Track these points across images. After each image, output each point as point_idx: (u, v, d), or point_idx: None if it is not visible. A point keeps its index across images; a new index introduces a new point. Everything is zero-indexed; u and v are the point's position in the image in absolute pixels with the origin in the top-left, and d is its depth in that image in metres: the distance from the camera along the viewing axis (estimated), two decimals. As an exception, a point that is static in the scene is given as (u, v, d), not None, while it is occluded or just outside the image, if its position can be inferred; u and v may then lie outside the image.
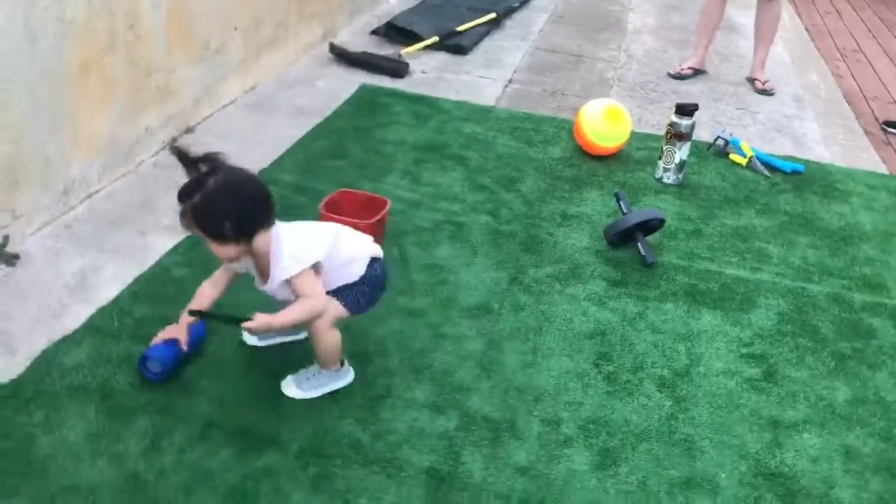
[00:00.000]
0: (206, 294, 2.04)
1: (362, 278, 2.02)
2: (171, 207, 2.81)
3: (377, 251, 2.08)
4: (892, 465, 2.05)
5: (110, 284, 2.41)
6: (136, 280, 2.43)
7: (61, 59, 2.54)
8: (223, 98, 3.57)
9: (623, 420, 2.11)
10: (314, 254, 1.89)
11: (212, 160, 1.82)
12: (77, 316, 2.26)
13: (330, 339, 1.99)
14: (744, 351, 2.42)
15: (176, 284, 2.43)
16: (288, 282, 1.88)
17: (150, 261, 2.53)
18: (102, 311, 2.29)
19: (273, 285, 1.92)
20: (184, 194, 1.81)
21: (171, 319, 2.26)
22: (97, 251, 2.56)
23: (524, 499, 1.85)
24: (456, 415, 2.07)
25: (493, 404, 2.12)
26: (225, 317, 2.00)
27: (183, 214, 1.82)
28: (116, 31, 2.76)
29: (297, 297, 1.91)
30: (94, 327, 2.22)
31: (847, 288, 2.79)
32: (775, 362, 2.39)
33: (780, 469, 2.01)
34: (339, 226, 2.07)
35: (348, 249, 2.00)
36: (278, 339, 2.23)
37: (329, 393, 2.07)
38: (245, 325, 1.88)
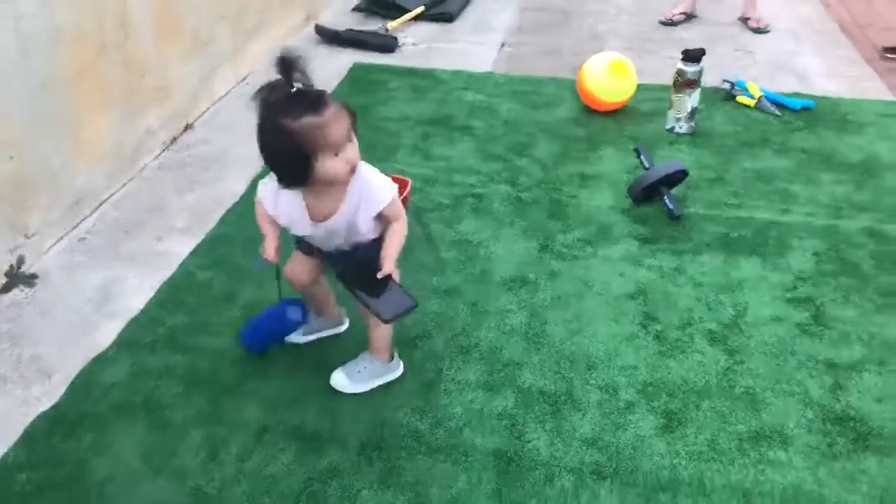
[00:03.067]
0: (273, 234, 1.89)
1: None
2: (183, 209, 2.75)
3: None
4: (957, 397, 2.02)
5: (135, 295, 2.33)
6: (161, 288, 2.36)
7: (56, 67, 2.43)
8: (218, 90, 3.47)
9: (681, 379, 2.07)
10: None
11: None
12: (107, 331, 2.19)
13: None
14: (788, 296, 2.38)
15: (202, 288, 2.36)
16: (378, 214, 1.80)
17: (172, 266, 2.45)
18: (133, 324, 2.22)
19: (358, 217, 1.79)
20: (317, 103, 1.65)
21: (204, 325, 2.21)
22: (115, 261, 2.48)
23: (596, 470, 1.81)
24: (511, 392, 2.02)
25: (547, 377, 2.07)
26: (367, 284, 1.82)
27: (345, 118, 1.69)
28: (106, 30, 2.66)
29: (354, 229, 1.81)
30: (127, 341, 2.16)
31: (879, 220, 2.75)
32: (822, 304, 2.35)
33: (846, 412, 1.97)
34: None
35: None
36: (320, 334, 2.16)
37: (380, 385, 2.02)
38: (382, 274, 1.77)
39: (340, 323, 2.19)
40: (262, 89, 1.67)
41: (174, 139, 3.15)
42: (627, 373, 2.09)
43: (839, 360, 2.14)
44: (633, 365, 2.12)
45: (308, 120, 1.63)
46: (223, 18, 3.45)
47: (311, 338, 2.16)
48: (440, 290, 2.38)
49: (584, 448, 1.86)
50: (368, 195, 1.79)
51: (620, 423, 1.93)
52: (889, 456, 1.85)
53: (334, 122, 1.66)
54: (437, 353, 2.14)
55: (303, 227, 1.83)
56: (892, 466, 1.83)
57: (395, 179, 2.59)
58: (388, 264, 1.80)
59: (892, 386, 2.05)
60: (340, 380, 2.00)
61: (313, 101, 1.65)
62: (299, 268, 2.00)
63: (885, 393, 2.03)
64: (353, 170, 1.73)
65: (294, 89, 1.65)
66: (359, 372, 2.00)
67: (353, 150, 1.71)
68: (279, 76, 1.65)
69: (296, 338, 2.14)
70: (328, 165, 1.68)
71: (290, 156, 1.66)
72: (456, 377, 2.06)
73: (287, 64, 1.64)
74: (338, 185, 1.76)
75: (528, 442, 1.88)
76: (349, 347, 2.11)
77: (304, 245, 1.96)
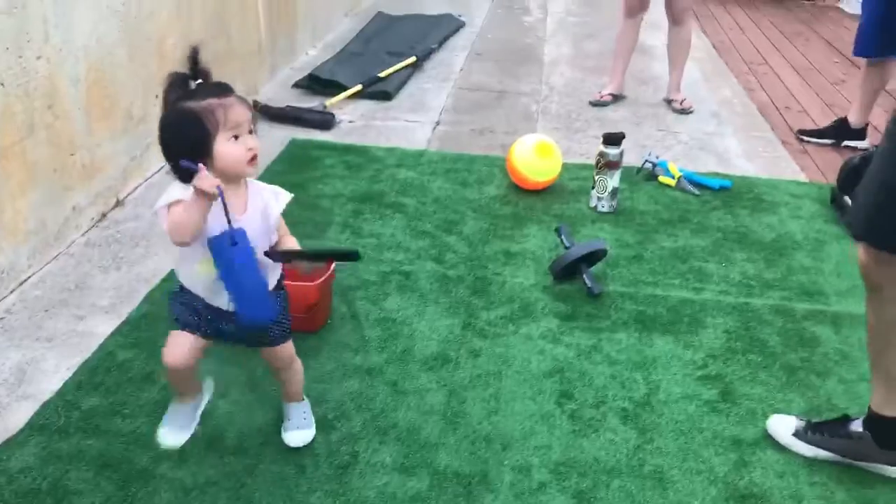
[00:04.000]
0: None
1: None
2: (107, 287, 2.74)
3: None
4: (853, 473, 2.10)
5: (52, 376, 2.31)
6: (80, 369, 2.34)
7: (-21, 148, 2.45)
8: (151, 167, 3.50)
9: (592, 459, 2.11)
10: None
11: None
12: (19, 414, 2.16)
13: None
14: (699, 373, 2.47)
15: (122, 369, 2.34)
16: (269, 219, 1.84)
17: (92, 346, 2.44)
18: (46, 407, 2.19)
19: (270, 212, 1.83)
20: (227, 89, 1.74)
21: (120, 407, 2.19)
22: (34, 342, 2.46)
23: (505, 553, 1.83)
24: (426, 474, 2.04)
25: (462, 458, 2.10)
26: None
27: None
28: (34, 112, 2.68)
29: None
30: (38, 425, 2.12)
31: (787, 299, 2.88)
32: (730, 381, 2.43)
33: (749, 489, 2.04)
34: None
35: None
36: (195, 421, 2.07)
37: (295, 466, 2.02)
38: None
39: (203, 395, 2.10)
40: (166, 82, 1.71)
41: (104, 216, 3.15)
42: (541, 452, 2.13)
43: (744, 437, 2.21)
44: (546, 444, 2.16)
45: (210, 100, 1.69)
46: (157, 97, 3.49)
47: (192, 430, 2.06)
48: (362, 370, 2.40)
49: (494, 530, 1.89)
50: (273, 192, 1.86)
51: (532, 504, 1.96)
52: (787, 533, 1.92)
53: (237, 104, 1.71)
54: (354, 435, 2.15)
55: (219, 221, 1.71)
56: (790, 544, 1.89)
57: (318, 259, 2.64)
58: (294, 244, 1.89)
59: (793, 462, 2.13)
60: (302, 436, 2.10)
61: (217, 86, 1.74)
62: (179, 349, 1.85)
63: (786, 469, 2.10)
64: (253, 160, 1.74)
65: (198, 81, 1.72)
66: (305, 419, 2.13)
67: (253, 140, 1.74)
68: (186, 70, 1.72)
69: (170, 441, 2.01)
70: (228, 148, 1.68)
71: (189, 138, 1.66)
72: (371, 459, 2.08)
73: (195, 58, 1.72)
74: (238, 180, 1.77)
75: (440, 525, 1.90)
76: (269, 429, 2.11)
77: (189, 317, 1.86)
